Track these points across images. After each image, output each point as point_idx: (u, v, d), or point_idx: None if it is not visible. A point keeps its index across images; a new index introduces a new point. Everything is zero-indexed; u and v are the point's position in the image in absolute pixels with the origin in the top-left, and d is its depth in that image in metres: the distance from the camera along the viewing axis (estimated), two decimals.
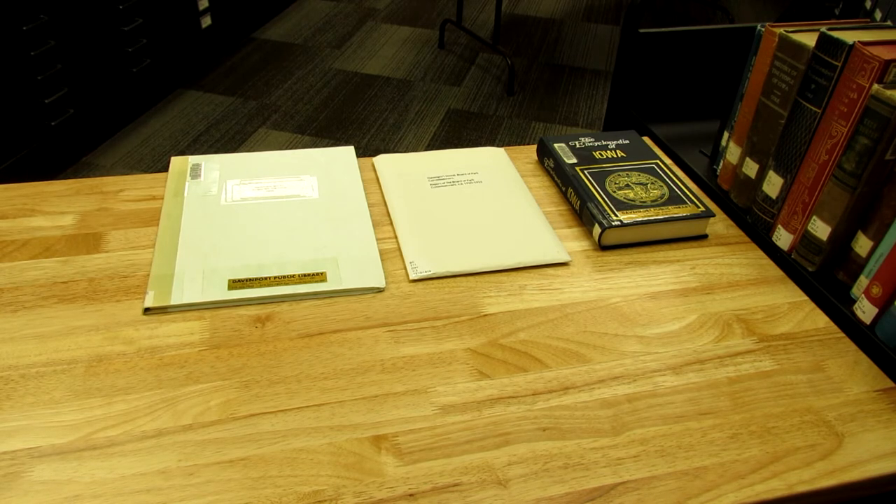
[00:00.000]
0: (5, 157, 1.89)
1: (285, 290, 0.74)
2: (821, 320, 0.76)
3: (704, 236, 0.87)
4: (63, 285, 0.74)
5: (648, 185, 0.89)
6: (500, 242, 0.83)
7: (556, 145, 0.97)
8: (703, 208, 0.86)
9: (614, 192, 0.88)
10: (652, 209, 0.85)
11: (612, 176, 0.91)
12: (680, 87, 1.22)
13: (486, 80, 2.86)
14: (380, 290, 0.76)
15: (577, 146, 0.97)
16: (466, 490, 0.56)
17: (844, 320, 0.77)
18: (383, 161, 0.98)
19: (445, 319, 0.73)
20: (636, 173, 0.92)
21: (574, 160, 0.93)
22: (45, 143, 2.01)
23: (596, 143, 0.98)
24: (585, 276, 0.80)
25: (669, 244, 0.86)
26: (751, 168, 0.93)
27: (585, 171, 0.91)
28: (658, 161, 0.95)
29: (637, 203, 0.86)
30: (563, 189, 0.92)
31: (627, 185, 0.89)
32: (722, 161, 1.00)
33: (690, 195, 0.88)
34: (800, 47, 0.82)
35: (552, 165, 0.95)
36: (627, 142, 0.99)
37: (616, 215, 0.84)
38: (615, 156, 0.95)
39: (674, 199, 0.87)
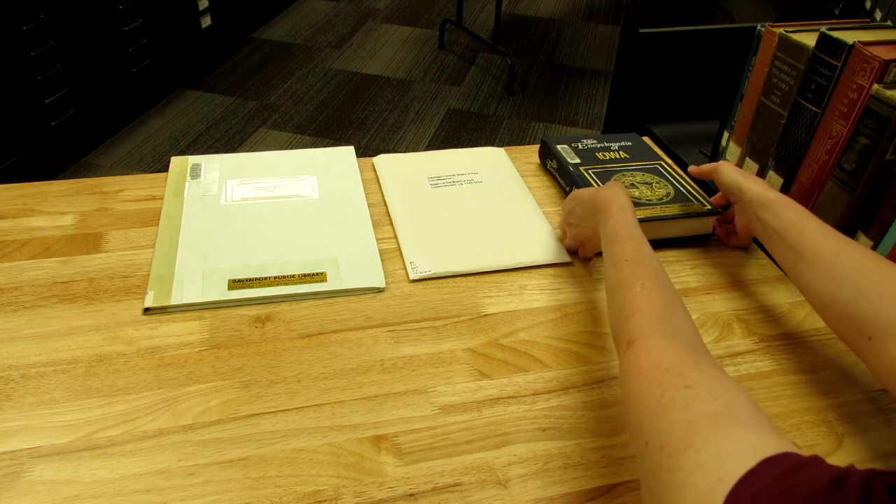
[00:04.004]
0: (5, 157, 1.89)
1: (285, 290, 0.74)
2: (820, 321, 0.76)
3: (711, 234, 0.86)
4: (63, 285, 0.74)
5: (653, 184, 0.88)
6: (500, 242, 0.83)
7: (558, 146, 0.96)
8: (709, 206, 0.85)
9: None
10: (658, 207, 0.84)
11: (616, 176, 0.90)
12: (680, 87, 1.22)
13: (486, 80, 2.86)
14: (380, 290, 0.76)
15: (580, 147, 0.96)
16: (466, 490, 0.56)
17: None
18: (383, 161, 0.98)
19: (445, 319, 0.73)
20: (640, 173, 0.91)
21: (577, 160, 0.92)
22: (45, 143, 2.01)
23: (599, 145, 0.97)
24: (585, 276, 0.80)
25: (670, 245, 0.85)
26: (751, 168, 0.93)
27: (590, 171, 0.90)
28: (661, 162, 0.94)
29: (643, 201, 0.85)
30: (567, 189, 0.92)
31: (632, 185, 0.88)
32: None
33: (696, 193, 0.88)
34: (800, 47, 0.82)
35: (555, 167, 0.94)
36: (630, 143, 0.98)
37: None
38: (618, 157, 0.94)
39: (679, 198, 0.86)
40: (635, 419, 0.45)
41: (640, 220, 0.79)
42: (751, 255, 0.85)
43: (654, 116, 1.20)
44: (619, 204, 0.68)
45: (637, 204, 0.84)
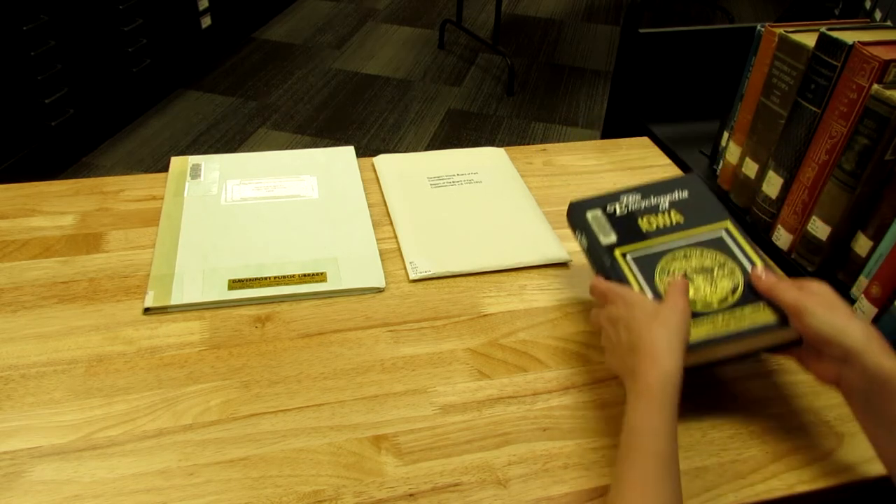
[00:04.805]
0: (5, 157, 1.89)
1: (285, 290, 0.74)
2: None
3: (799, 341, 0.59)
4: (63, 285, 0.74)
5: (715, 271, 0.64)
6: (500, 242, 0.83)
7: (589, 214, 0.71)
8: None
9: (667, 288, 0.62)
10: (720, 317, 0.61)
11: (664, 260, 0.66)
12: (680, 87, 1.22)
13: (486, 80, 2.85)
14: (380, 290, 0.76)
15: (618, 212, 0.71)
16: (466, 490, 0.56)
17: None
18: (383, 161, 0.98)
19: (445, 319, 0.73)
20: (698, 253, 0.66)
21: (613, 237, 0.68)
22: (45, 143, 2.01)
23: (643, 205, 0.71)
24: (585, 275, 0.80)
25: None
26: (751, 168, 0.93)
27: (628, 257, 0.66)
28: (727, 224, 0.68)
29: (699, 309, 0.61)
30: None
31: (685, 276, 0.64)
32: (722, 161, 1.00)
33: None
34: (800, 47, 0.82)
35: (585, 245, 0.71)
36: (686, 195, 0.71)
37: None
38: (669, 223, 0.69)
39: (749, 297, 0.62)
40: None
41: (695, 345, 0.59)
42: None
43: (654, 116, 1.20)
44: (661, 375, 0.52)
45: (692, 311, 0.60)
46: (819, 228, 0.81)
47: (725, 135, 1.01)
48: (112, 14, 2.16)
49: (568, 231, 0.86)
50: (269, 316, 0.72)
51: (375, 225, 0.85)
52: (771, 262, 0.63)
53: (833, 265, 0.83)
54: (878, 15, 1.16)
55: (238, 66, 2.83)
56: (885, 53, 0.73)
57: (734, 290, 0.62)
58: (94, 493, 0.54)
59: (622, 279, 0.64)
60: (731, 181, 0.98)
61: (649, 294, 0.63)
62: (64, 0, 1.95)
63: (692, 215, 0.70)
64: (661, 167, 1.02)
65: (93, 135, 2.23)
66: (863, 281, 0.77)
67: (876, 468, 0.59)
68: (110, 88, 2.24)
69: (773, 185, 0.88)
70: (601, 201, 0.72)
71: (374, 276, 0.77)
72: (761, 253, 0.65)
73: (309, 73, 2.82)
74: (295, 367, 0.66)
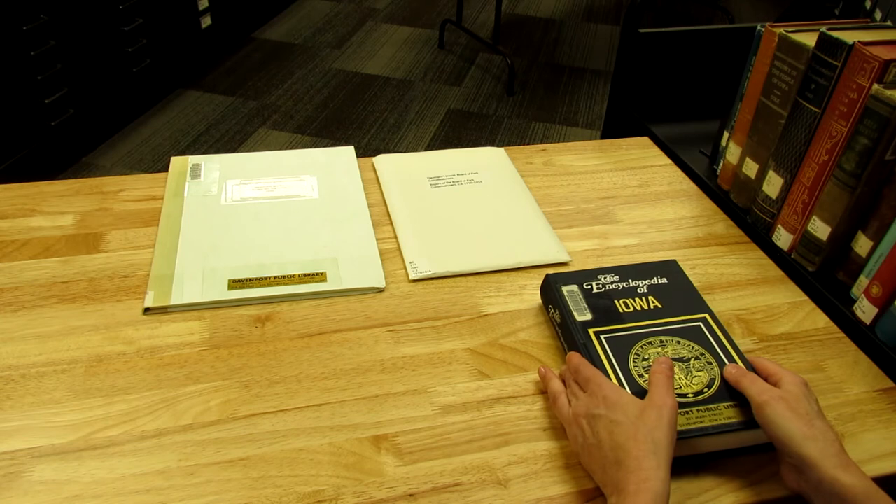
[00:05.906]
0: (5, 157, 1.89)
1: (285, 290, 0.74)
2: (821, 320, 0.76)
3: (768, 446, 0.57)
4: (63, 285, 0.74)
5: (692, 362, 0.63)
6: (500, 242, 0.83)
7: (565, 289, 0.70)
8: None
9: (641, 373, 0.61)
10: (695, 411, 0.59)
11: (640, 345, 0.64)
12: (680, 87, 1.22)
13: (486, 80, 2.85)
14: (380, 290, 0.76)
15: (595, 290, 0.70)
16: (466, 490, 0.56)
17: (844, 320, 0.77)
18: (383, 161, 0.98)
19: (445, 319, 0.73)
20: (674, 341, 0.65)
21: (588, 316, 0.67)
22: (45, 143, 2.01)
23: (621, 286, 0.70)
24: None
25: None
26: (751, 168, 0.93)
27: (602, 337, 0.65)
28: (706, 316, 0.68)
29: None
30: (565, 349, 0.69)
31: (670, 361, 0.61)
32: (722, 161, 1.00)
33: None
34: (800, 47, 0.82)
35: (558, 320, 0.70)
36: (665, 281, 0.71)
37: None
38: (646, 307, 0.68)
39: (725, 391, 0.60)
40: None
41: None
42: (751, 255, 0.85)
43: (654, 116, 1.20)
44: (652, 498, 0.48)
45: None
46: (819, 228, 0.81)
47: (725, 135, 1.01)
48: (112, 14, 2.16)
49: (568, 231, 0.87)
50: (269, 316, 0.72)
51: (375, 225, 0.85)
52: (748, 361, 0.63)
53: (833, 265, 0.83)
54: (878, 15, 1.16)
55: (238, 66, 2.83)
56: (885, 53, 0.73)
57: (710, 384, 0.61)
58: (94, 493, 0.54)
59: (594, 359, 0.62)
60: (731, 181, 0.98)
61: (621, 378, 0.61)
62: (64, 0, 1.95)
63: (671, 303, 0.69)
64: (661, 167, 1.02)
65: (93, 135, 2.23)
66: (863, 281, 0.77)
67: (877, 467, 0.59)
68: (110, 88, 2.24)
69: (773, 185, 0.88)
70: (577, 277, 0.71)
71: (374, 276, 0.77)
72: (739, 350, 0.64)
73: (309, 73, 2.82)
74: (295, 367, 0.66)
